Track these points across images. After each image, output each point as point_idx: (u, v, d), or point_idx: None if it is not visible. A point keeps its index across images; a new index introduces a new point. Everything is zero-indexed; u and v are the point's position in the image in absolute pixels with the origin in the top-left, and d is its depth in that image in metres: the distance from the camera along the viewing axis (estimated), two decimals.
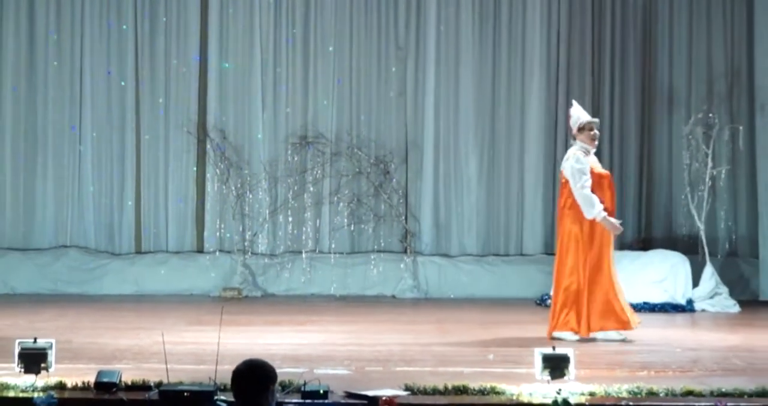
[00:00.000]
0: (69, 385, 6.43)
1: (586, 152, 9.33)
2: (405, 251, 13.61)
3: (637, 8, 13.95)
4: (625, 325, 9.22)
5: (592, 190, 9.17)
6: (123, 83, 13.77)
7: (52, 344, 6.64)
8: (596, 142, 9.51)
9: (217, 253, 13.58)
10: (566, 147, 13.81)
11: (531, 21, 13.87)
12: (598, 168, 9.41)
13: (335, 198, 13.72)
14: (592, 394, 6.41)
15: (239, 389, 5.06)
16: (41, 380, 6.45)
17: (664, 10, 13.94)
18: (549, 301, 12.52)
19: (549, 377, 6.51)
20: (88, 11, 13.76)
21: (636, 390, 6.46)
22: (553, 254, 13.62)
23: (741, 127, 13.36)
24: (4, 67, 13.71)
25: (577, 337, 9.14)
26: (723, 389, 6.48)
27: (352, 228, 13.72)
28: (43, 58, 13.74)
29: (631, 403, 6.33)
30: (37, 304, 11.98)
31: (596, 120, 9.69)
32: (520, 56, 13.89)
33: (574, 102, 9.90)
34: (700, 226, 12.77)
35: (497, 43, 13.90)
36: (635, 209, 13.86)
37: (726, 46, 13.92)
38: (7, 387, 6.40)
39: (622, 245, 13.46)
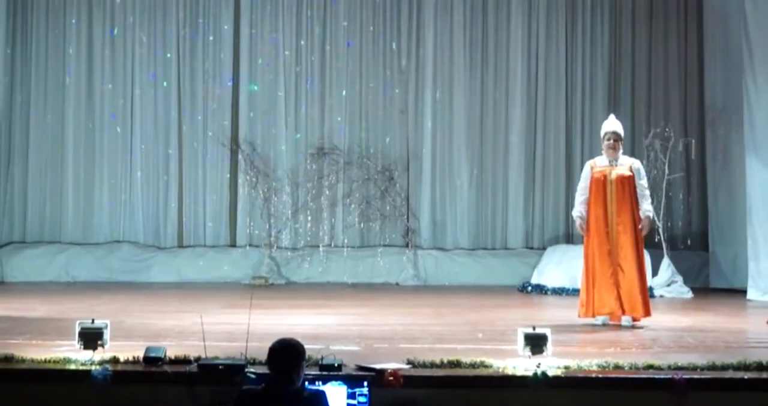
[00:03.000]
0: (121, 359, 6.41)
1: (602, 159, 9.09)
2: (407, 246, 13.59)
3: (604, 40, 13.96)
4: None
5: (591, 193, 9.04)
6: (167, 103, 13.81)
7: (107, 324, 6.62)
8: (612, 151, 8.99)
9: (248, 247, 13.57)
10: (543, 159, 13.88)
11: (514, 49, 13.89)
12: (606, 172, 8.99)
13: (347, 200, 13.71)
14: (566, 367, 6.38)
15: (274, 364, 5.05)
16: (98, 355, 6.43)
17: (627, 41, 13.94)
18: (530, 288, 12.58)
19: (530, 353, 6.46)
20: (138, 42, 13.78)
21: (604, 364, 6.43)
22: (532, 248, 13.76)
23: (693, 140, 13.37)
24: (67, 89, 13.72)
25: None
26: (678, 364, 6.45)
27: (362, 226, 13.71)
28: (99, 82, 13.75)
29: (600, 375, 6.31)
30: (95, 290, 11.96)
31: (611, 130, 9.11)
32: (504, 80, 13.90)
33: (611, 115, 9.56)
34: (659, 224, 12.72)
35: (485, 70, 13.91)
36: None
37: (680, 71, 13.92)
38: (69, 361, 6.39)
39: None
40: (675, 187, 13.43)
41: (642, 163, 12.74)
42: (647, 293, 9.01)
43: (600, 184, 9.02)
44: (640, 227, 8.92)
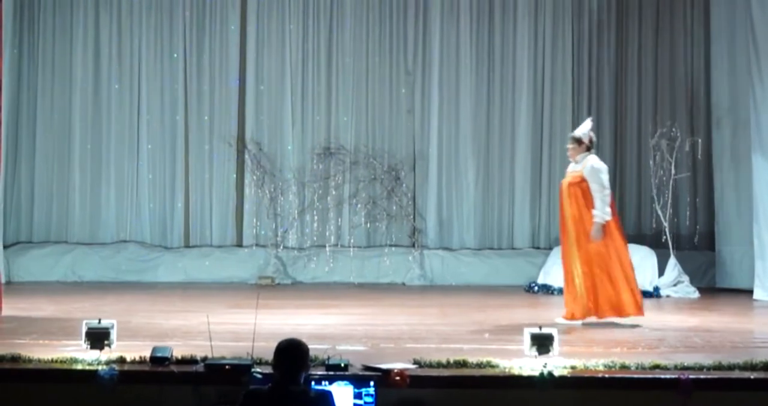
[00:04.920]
0: (128, 359, 6.41)
1: (572, 164, 9.12)
2: (413, 245, 13.59)
3: (610, 40, 13.95)
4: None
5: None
6: (174, 103, 13.82)
7: (113, 324, 6.62)
8: (571, 155, 9.06)
9: (254, 247, 13.58)
10: (550, 159, 13.87)
11: (520, 49, 13.88)
12: (566, 177, 9.07)
13: (354, 200, 13.71)
14: (573, 367, 6.37)
15: (280, 364, 5.06)
16: (104, 355, 6.43)
17: (634, 41, 13.93)
18: (536, 288, 12.58)
19: (536, 353, 6.45)
20: (145, 42, 13.81)
21: (611, 364, 6.42)
22: (538, 248, 13.75)
23: (699, 140, 13.34)
24: (73, 89, 13.73)
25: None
26: (685, 363, 6.44)
27: (368, 226, 13.71)
28: (106, 81, 13.77)
29: (606, 375, 6.30)
30: (101, 290, 11.99)
31: (569, 134, 9.30)
32: (510, 80, 13.89)
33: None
34: (665, 224, 12.73)
35: (491, 70, 13.91)
36: None
37: (687, 71, 13.90)
38: (75, 361, 6.40)
39: None
40: (681, 187, 13.42)
41: (650, 162, 12.91)
42: (578, 298, 8.86)
43: (560, 190, 9.10)
44: (592, 234, 8.76)
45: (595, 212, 8.77)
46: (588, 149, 9.03)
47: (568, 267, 9.04)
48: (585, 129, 9.12)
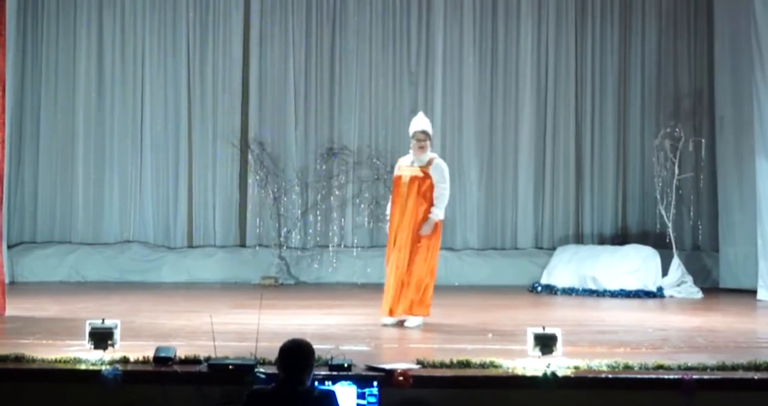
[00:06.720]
0: (131, 359, 6.41)
1: (406, 158, 9.04)
2: None
3: (614, 39, 13.97)
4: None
5: (393, 193, 9.03)
6: (177, 103, 13.82)
7: (117, 324, 6.63)
8: (421, 150, 8.91)
9: (257, 247, 13.58)
10: (553, 158, 13.86)
11: (523, 49, 13.90)
12: (405, 172, 8.97)
13: (357, 200, 13.71)
14: (576, 368, 6.36)
15: (284, 364, 5.06)
16: (108, 355, 6.43)
17: (637, 41, 13.94)
18: (539, 288, 12.59)
19: (540, 353, 6.46)
20: (148, 42, 13.81)
21: (614, 364, 6.41)
22: (542, 248, 13.75)
23: (703, 140, 13.33)
24: (77, 90, 13.74)
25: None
26: (689, 364, 6.43)
27: (371, 226, 13.70)
28: (109, 82, 13.77)
29: (609, 375, 6.29)
30: (105, 290, 11.99)
31: (420, 129, 8.99)
32: (513, 80, 13.90)
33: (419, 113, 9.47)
34: (669, 224, 12.72)
35: (495, 70, 13.91)
36: (613, 210, 13.84)
37: (690, 71, 13.91)
38: (79, 361, 6.40)
39: (603, 240, 13.50)
40: (685, 188, 13.41)
41: (653, 162, 12.90)
42: (403, 294, 8.82)
43: (397, 185, 8.98)
44: (423, 228, 8.76)
45: (434, 208, 8.82)
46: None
47: (394, 261, 8.92)
48: (429, 124, 9.09)
